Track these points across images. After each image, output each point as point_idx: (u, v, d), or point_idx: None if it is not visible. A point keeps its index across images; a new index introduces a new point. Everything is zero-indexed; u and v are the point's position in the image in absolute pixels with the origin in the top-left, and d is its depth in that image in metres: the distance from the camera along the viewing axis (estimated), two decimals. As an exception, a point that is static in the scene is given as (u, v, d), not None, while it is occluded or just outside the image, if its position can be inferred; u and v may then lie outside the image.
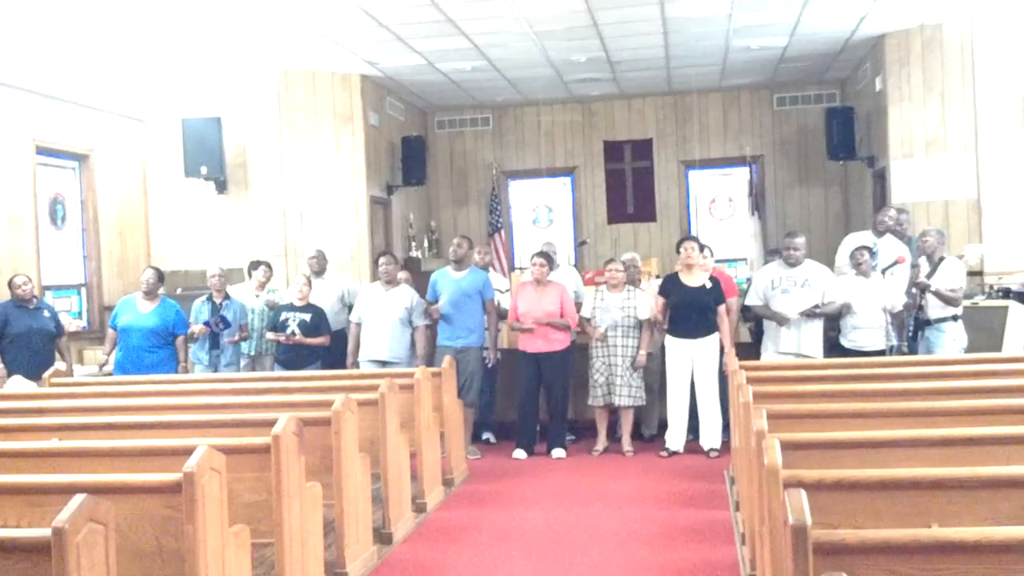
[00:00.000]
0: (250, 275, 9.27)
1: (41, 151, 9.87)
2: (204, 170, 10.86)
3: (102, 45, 9.22)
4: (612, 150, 14.11)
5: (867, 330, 7.56)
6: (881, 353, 7.35)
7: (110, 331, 8.43)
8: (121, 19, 8.56)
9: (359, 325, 8.37)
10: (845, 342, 7.70)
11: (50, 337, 8.11)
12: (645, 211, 14.03)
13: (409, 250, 13.03)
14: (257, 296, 9.02)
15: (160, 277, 8.50)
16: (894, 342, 7.49)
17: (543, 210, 14.57)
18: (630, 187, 14.05)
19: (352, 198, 11.45)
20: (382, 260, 8.51)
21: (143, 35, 9.10)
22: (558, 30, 9.98)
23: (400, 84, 12.30)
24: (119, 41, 9.18)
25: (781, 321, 7.65)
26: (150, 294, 8.32)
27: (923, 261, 7.78)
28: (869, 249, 7.87)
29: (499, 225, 13.79)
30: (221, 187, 11.14)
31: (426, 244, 13.72)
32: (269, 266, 9.31)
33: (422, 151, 13.00)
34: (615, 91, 13.43)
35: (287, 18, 9.00)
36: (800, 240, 7.82)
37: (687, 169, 14.07)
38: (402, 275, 8.67)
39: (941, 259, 7.70)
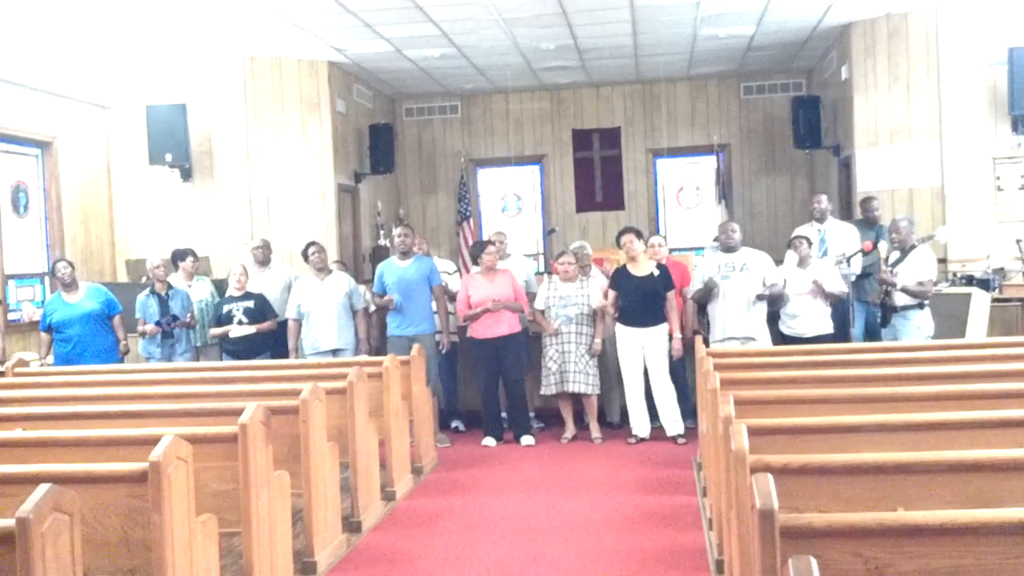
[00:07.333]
0: (176, 265, 9.11)
1: (2, 138, 9.71)
2: (169, 157, 10.74)
3: (65, 30, 9.09)
4: (581, 138, 14.14)
5: (805, 317, 7.79)
6: (821, 339, 7.56)
7: (43, 335, 8.30)
8: (85, 3, 8.44)
9: (298, 321, 8.38)
10: (784, 328, 7.90)
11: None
12: (613, 199, 14.07)
13: (377, 238, 12.97)
14: (189, 286, 8.87)
15: (73, 266, 8.43)
16: (831, 330, 7.77)
17: (512, 198, 14.56)
18: (599, 175, 14.09)
19: (319, 186, 11.38)
20: (312, 249, 8.57)
21: (107, 20, 8.97)
22: (527, 17, 9.96)
23: (368, 71, 12.22)
24: (83, 26, 9.05)
25: (712, 286, 7.82)
26: (71, 286, 8.25)
27: (894, 253, 7.85)
28: (807, 239, 8.07)
29: (468, 213, 13.76)
30: (186, 175, 11.02)
31: (394, 232, 13.61)
32: (195, 254, 9.21)
33: (390, 139, 12.92)
34: (584, 79, 13.43)
35: (253, 3, 8.91)
36: (735, 225, 8.18)
37: (655, 157, 14.12)
38: (334, 264, 8.74)
39: (912, 247, 7.77)
